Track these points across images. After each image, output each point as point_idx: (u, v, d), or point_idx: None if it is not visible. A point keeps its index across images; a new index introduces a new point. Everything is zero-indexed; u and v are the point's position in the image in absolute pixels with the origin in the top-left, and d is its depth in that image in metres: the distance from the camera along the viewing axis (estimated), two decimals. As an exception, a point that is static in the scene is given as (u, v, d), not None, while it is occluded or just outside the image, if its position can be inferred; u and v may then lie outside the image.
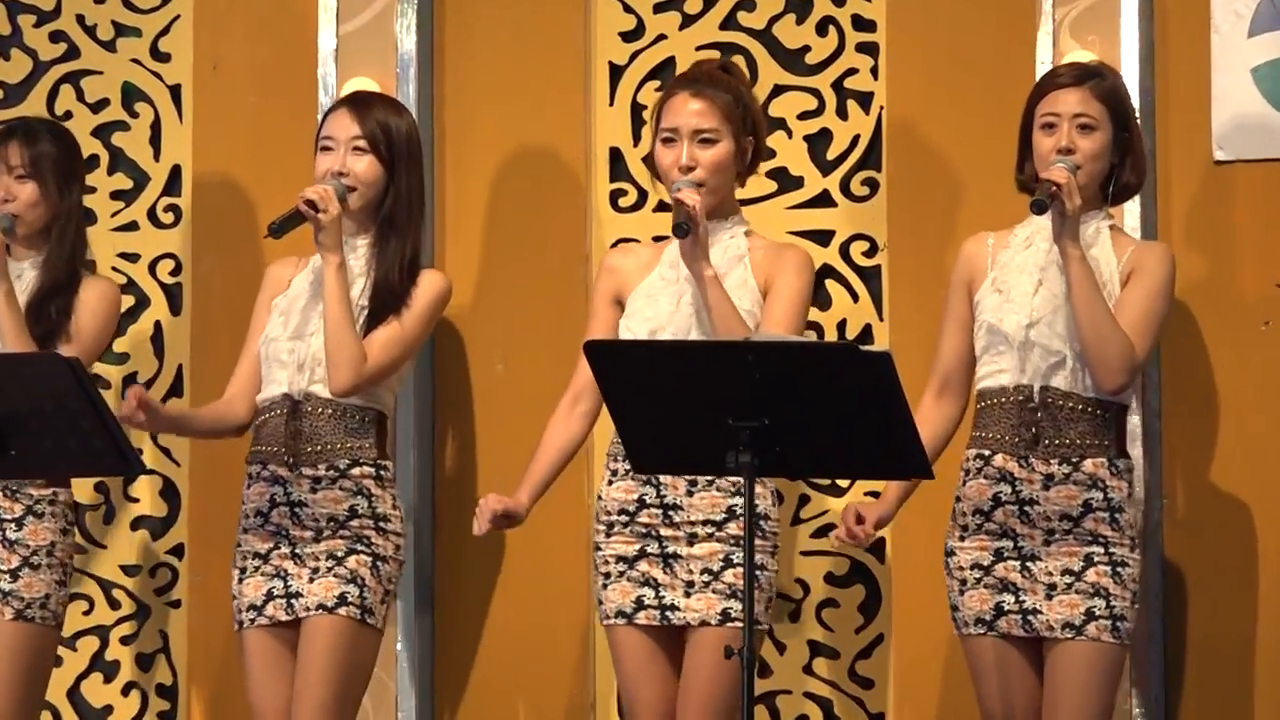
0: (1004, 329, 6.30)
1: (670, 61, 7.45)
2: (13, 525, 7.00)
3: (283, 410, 6.78)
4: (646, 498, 6.44)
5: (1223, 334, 6.99)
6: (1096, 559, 6.30)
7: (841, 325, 7.23)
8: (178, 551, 7.86)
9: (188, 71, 7.85)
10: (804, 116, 7.38)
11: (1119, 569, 6.29)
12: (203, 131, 7.94)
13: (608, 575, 6.54)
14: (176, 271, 7.89)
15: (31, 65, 8.07)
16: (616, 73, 7.55)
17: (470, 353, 7.74)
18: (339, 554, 6.70)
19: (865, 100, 7.36)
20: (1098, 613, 6.29)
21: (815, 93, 7.41)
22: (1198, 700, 7.07)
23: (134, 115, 7.97)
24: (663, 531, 6.44)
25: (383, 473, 6.91)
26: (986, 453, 6.31)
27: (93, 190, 7.76)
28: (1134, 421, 6.70)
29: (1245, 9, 7.35)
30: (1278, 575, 7.06)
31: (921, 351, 6.55)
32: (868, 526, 6.41)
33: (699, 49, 7.36)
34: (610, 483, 6.55)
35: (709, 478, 6.33)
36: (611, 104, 7.65)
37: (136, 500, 7.94)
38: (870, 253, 7.28)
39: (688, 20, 7.55)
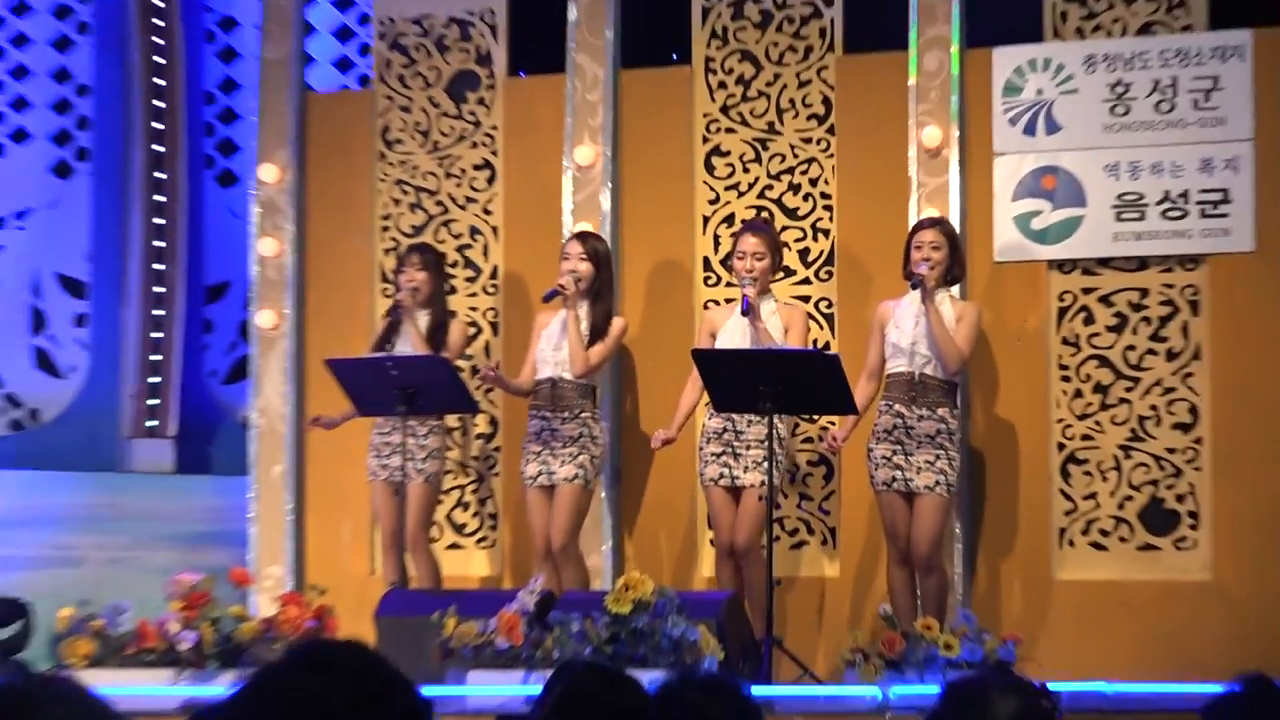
0: (900, 345, 10.12)
1: (732, 215, 11.34)
2: (423, 434, 10.92)
3: (547, 384, 10.74)
4: (725, 424, 10.47)
5: (998, 347, 10.79)
6: (940, 457, 10.10)
7: (815, 342, 10.86)
8: (497, 450, 11.68)
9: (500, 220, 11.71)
10: (798, 241, 11.28)
11: (951, 461, 10.11)
12: (511, 247, 11.71)
13: (705, 462, 10.51)
14: (496, 317, 11.75)
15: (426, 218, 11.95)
16: (705, 221, 11.39)
17: (636, 359, 11.53)
18: (574, 453, 10.62)
19: (827, 233, 11.22)
20: (940, 482, 10.10)
21: (802, 230, 11.29)
22: (988, 522, 10.79)
23: (476, 236, 11.78)
24: (733, 441, 10.43)
25: (595, 414, 10.95)
26: (890, 404, 10.18)
27: (454, 279, 11.58)
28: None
29: (1011, 185, 10.74)
30: (1017, 464, 10.72)
31: (854, 358, 10.23)
32: (835, 442, 10.44)
33: (748, 209, 11.27)
34: (710, 417, 10.54)
35: (753, 416, 10.27)
36: (704, 233, 11.45)
37: (477, 425, 11.73)
38: (830, 307, 11.18)
39: (741, 194, 11.34)
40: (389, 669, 3.05)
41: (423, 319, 10.97)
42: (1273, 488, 10.19)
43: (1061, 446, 10.71)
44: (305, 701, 2.94)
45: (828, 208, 11.18)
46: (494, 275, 11.71)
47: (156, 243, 12.94)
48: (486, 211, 11.73)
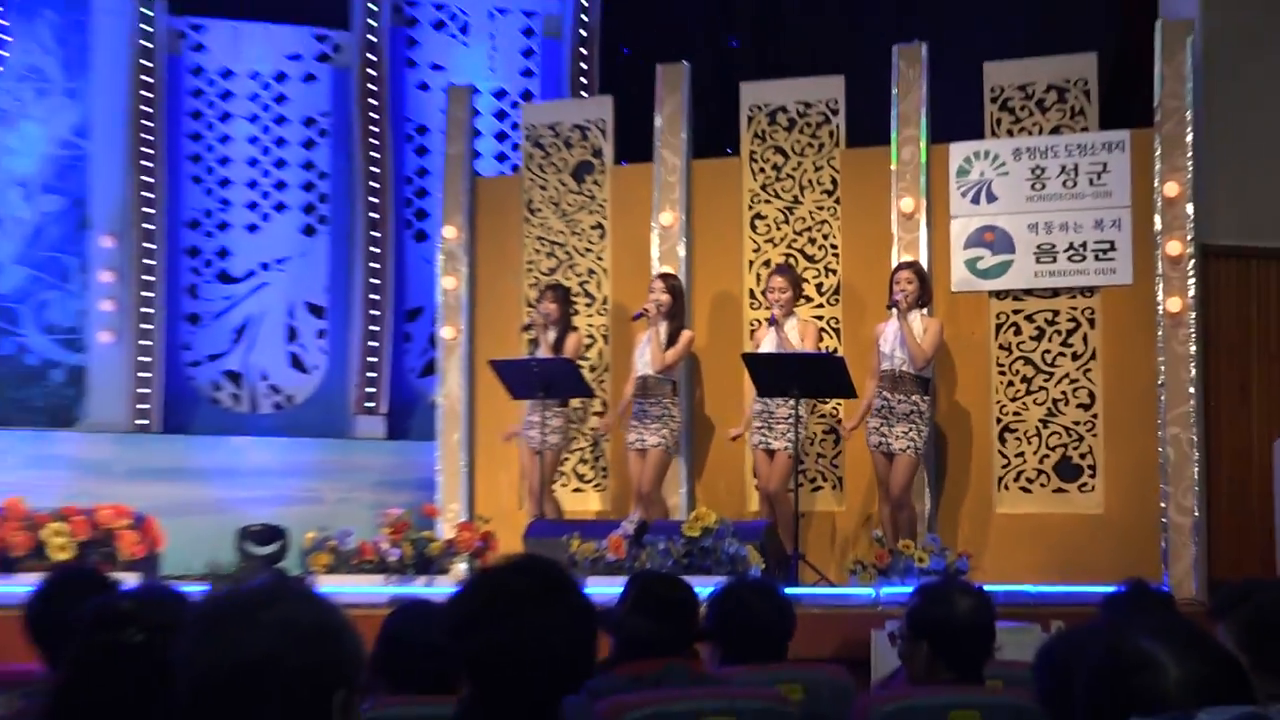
0: (885, 351, 10.15)
1: (768, 260, 11.18)
2: (553, 415, 10.70)
3: (640, 380, 10.69)
4: (764, 406, 10.37)
5: (955, 352, 10.76)
6: (912, 429, 10.08)
7: (826, 348, 10.72)
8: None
9: (609, 264, 11.69)
10: (814, 278, 11.18)
11: (920, 432, 10.08)
12: (616, 284, 11.70)
13: (751, 431, 10.52)
14: (606, 331, 11.65)
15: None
16: (750, 264, 11.26)
17: (702, 361, 11.31)
18: (659, 427, 10.58)
19: (834, 272, 11.14)
20: (911, 446, 10.09)
21: (817, 270, 11.17)
22: (949, 474, 10.71)
23: (591, 275, 11.74)
24: (769, 418, 10.35)
25: (674, 400, 10.84)
26: (880, 391, 10.13)
27: (576, 306, 11.52)
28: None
29: (962, 238, 10.72)
30: (969, 433, 10.72)
31: (854, 360, 10.31)
32: (846, 430, 10.59)
33: (779, 256, 11.15)
34: (754, 401, 10.41)
35: (782, 399, 10.20)
36: (749, 272, 11.30)
37: (594, 406, 11.52)
38: (836, 324, 11.06)
39: (774, 245, 11.21)
40: (564, 572, 3.26)
41: (553, 333, 10.99)
42: (1146, 450, 10.12)
43: (999, 420, 10.72)
44: (511, 590, 3.14)
45: (835, 255, 11.20)
46: (604, 303, 11.74)
47: (373, 280, 12.93)
48: (599, 259, 11.78)
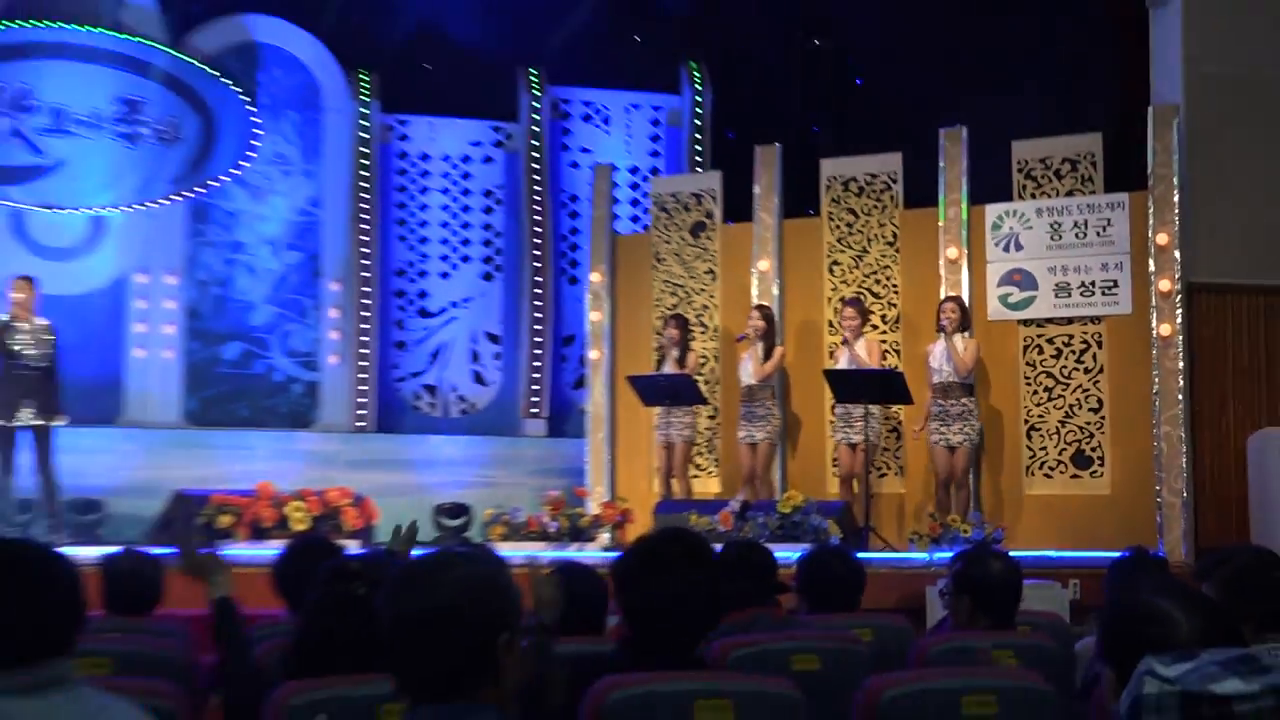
0: (935, 367, 10.03)
1: (844, 296, 10.83)
2: (679, 416, 10.55)
3: (746, 388, 10.46)
4: (843, 410, 10.21)
5: (991, 367, 10.51)
6: (967, 425, 9.94)
7: (889, 365, 10.43)
8: (719, 423, 11.24)
9: (719, 300, 11.48)
10: (880, 310, 10.97)
11: (975, 426, 9.96)
12: (724, 315, 11.38)
13: (834, 430, 10.45)
14: (717, 352, 11.34)
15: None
16: (829, 299, 10.99)
17: (791, 374, 11.03)
18: (764, 424, 10.33)
19: (895, 305, 10.91)
20: (967, 439, 9.94)
21: (882, 304, 10.98)
22: (987, 463, 10.44)
23: (705, 309, 11.55)
24: (847, 417, 10.16)
25: (774, 402, 10.49)
26: (935, 399, 9.97)
27: (693, 332, 11.27)
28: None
29: (996, 278, 10.45)
30: (1002, 431, 10.45)
31: (911, 375, 10.12)
32: (916, 431, 10.22)
33: (851, 292, 10.88)
34: (835, 406, 10.31)
35: (855, 405, 10.03)
36: (828, 305, 11.04)
37: (707, 405, 11.16)
38: (897, 346, 10.79)
39: (848, 285, 11.01)
40: (703, 541, 3.37)
41: (676, 354, 10.87)
42: (1144, 444, 9.94)
43: (1026, 421, 10.54)
44: (663, 555, 3.24)
45: (895, 292, 11.04)
46: (715, 331, 11.54)
47: (536, 314, 12.84)
48: (710, 296, 11.62)
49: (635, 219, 13.00)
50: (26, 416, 9.55)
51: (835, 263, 11.25)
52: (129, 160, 12.28)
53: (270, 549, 7.34)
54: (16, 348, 9.52)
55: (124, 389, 12.16)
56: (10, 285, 9.79)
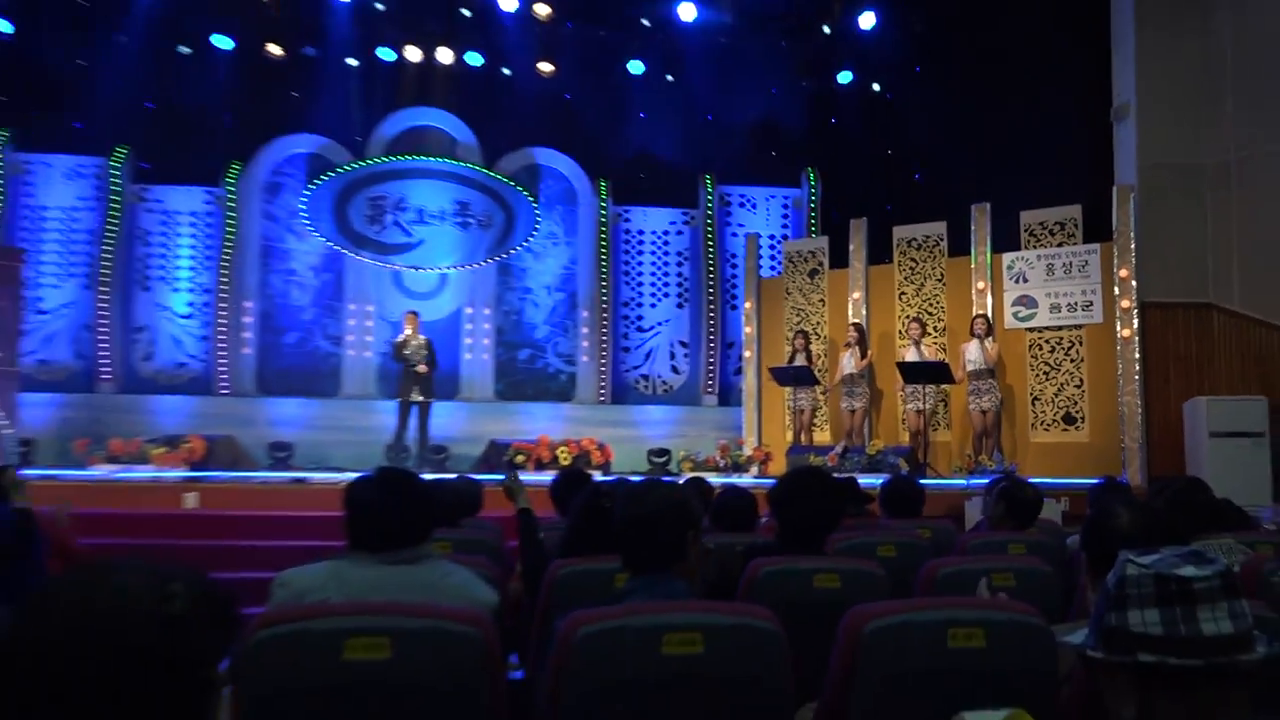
0: (969, 359, 9.66)
1: (908, 318, 10.44)
2: (803, 392, 10.17)
3: (846, 376, 10.08)
4: (915, 388, 9.70)
5: (1008, 360, 9.98)
6: (991, 396, 9.46)
7: (940, 360, 9.96)
8: (825, 394, 10.87)
9: (827, 320, 11.33)
10: (933, 324, 10.50)
11: (997, 397, 9.47)
12: (831, 332, 11.06)
13: (905, 400, 9.91)
14: (825, 355, 11.08)
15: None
16: (899, 320, 10.61)
17: (877, 367, 10.52)
18: (860, 399, 10.02)
19: (943, 320, 10.52)
20: (992, 405, 9.46)
21: (934, 323, 10.49)
22: (1005, 421, 9.83)
23: (819, 328, 11.47)
24: (917, 394, 9.71)
25: (864, 383, 10.12)
26: (970, 380, 9.57)
27: (810, 343, 11.44)
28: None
29: (1010, 301, 10.04)
30: (1014, 400, 9.92)
31: (956, 364, 9.84)
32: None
33: (911, 317, 10.41)
34: (903, 386, 9.85)
35: (918, 385, 9.70)
36: (898, 323, 10.61)
37: (822, 386, 10.81)
38: (944, 347, 10.40)
39: (912, 308, 10.62)
40: (828, 472, 3.28)
41: (801, 355, 10.53)
42: (1111, 410, 9.56)
43: (1031, 393, 10.09)
44: (803, 482, 3.13)
45: (943, 311, 10.71)
46: (824, 340, 11.27)
47: (710, 328, 12.67)
48: (822, 317, 11.36)
49: (773, 268, 12.64)
50: (414, 396, 9.77)
51: (903, 293, 10.97)
52: (461, 238, 12.50)
53: (547, 476, 7.32)
54: (407, 353, 9.75)
55: (460, 377, 12.34)
56: (404, 317, 10.10)
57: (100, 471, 8.23)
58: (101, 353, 11.56)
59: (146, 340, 11.89)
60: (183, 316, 12.05)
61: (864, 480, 5.40)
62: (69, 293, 11.84)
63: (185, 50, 11.55)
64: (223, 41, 11.67)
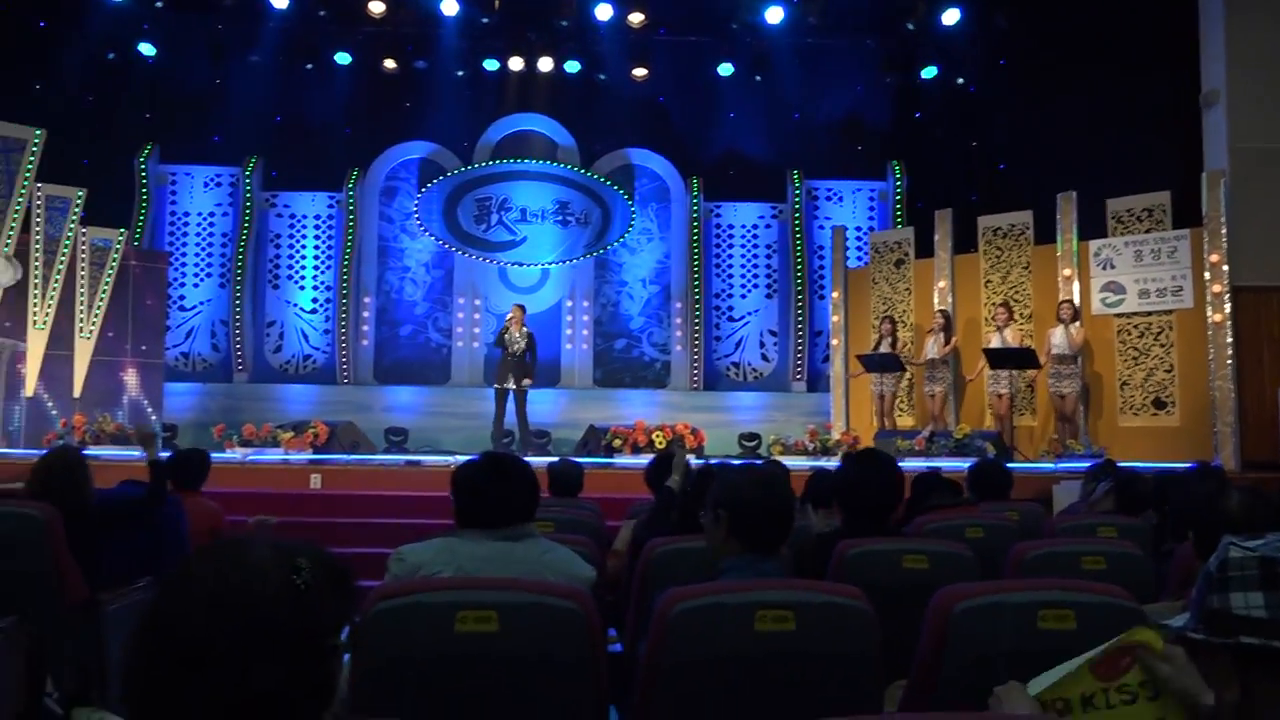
0: (1054, 343, 9.34)
1: (995, 302, 10.22)
2: (890, 378, 10.06)
3: (929, 361, 9.91)
4: (996, 374, 9.58)
5: (1094, 344, 9.77)
6: (1073, 380, 9.18)
7: (1025, 346, 9.67)
8: (911, 380, 11.29)
9: (912, 307, 11.34)
10: (1019, 310, 10.22)
11: (1080, 382, 9.21)
12: (917, 318, 10.91)
13: (992, 382, 9.66)
14: (911, 343, 11.08)
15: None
16: (985, 306, 10.36)
17: (963, 353, 10.29)
18: (942, 382, 9.89)
19: (1029, 306, 10.25)
20: (1074, 390, 9.20)
21: (1020, 309, 10.25)
22: (1093, 406, 9.67)
23: (905, 315, 11.34)
24: (1000, 377, 9.60)
25: (948, 369, 9.91)
26: (1053, 365, 9.27)
27: (898, 330, 11.86)
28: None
29: (1098, 287, 9.76)
30: (1102, 385, 9.65)
31: (1041, 350, 9.62)
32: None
33: (998, 304, 10.14)
34: (989, 370, 9.78)
35: (1004, 370, 9.75)
36: (984, 308, 10.41)
37: (906, 371, 11.00)
38: (1031, 334, 10.08)
39: (998, 295, 10.35)
40: (891, 456, 3.14)
41: (888, 341, 10.42)
42: (1203, 394, 9.23)
43: (1119, 377, 9.82)
44: (867, 463, 3.07)
45: (1029, 298, 10.45)
46: (910, 326, 11.07)
47: (798, 317, 12.59)
48: (908, 305, 11.21)
49: (859, 258, 12.53)
50: (512, 383, 9.89)
51: (988, 281, 10.74)
52: (562, 235, 12.63)
53: (643, 459, 7.40)
54: (506, 339, 9.85)
55: (560, 366, 12.46)
56: (511, 309, 10.14)
57: (235, 454, 8.56)
58: (235, 346, 12.15)
59: (275, 334, 12.37)
60: (308, 311, 12.53)
61: (951, 464, 5.27)
62: (206, 291, 12.45)
63: (309, 67, 12.03)
64: (342, 58, 12.09)
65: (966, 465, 4.95)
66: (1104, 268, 9.91)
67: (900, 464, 3.25)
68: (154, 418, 10.41)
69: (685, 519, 3.14)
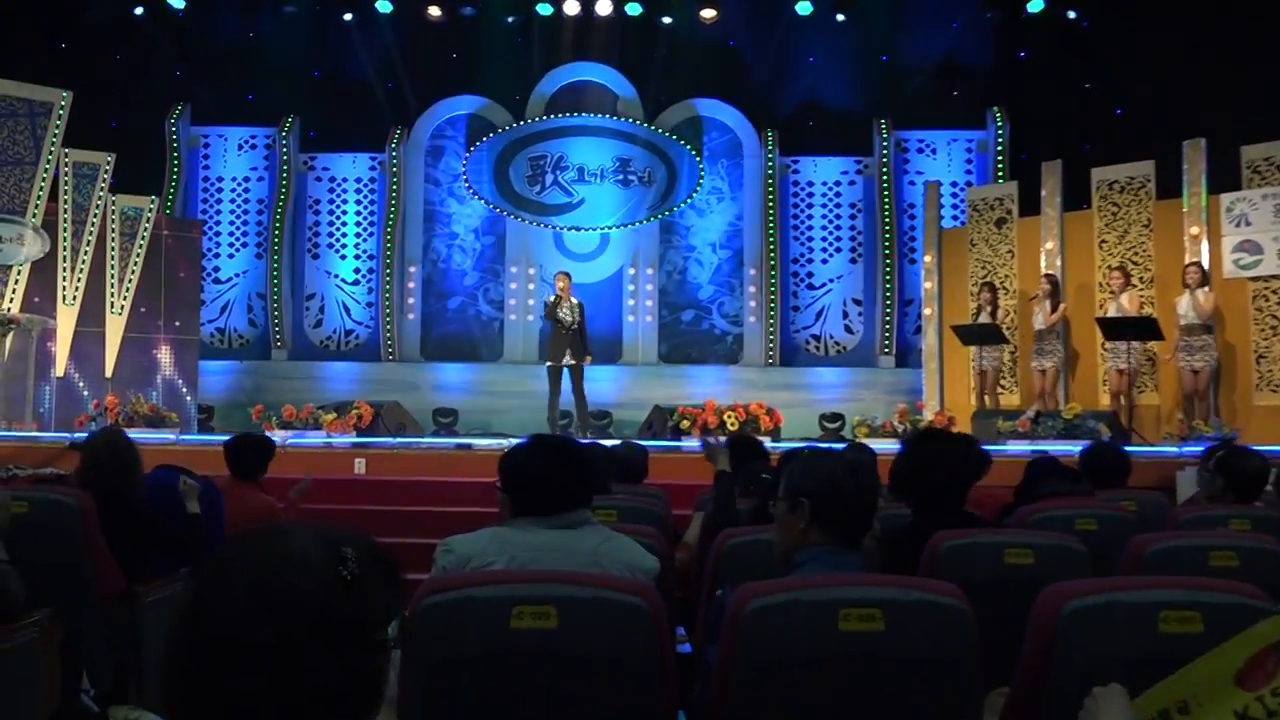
0: (1181, 313, 9.22)
1: (1110, 266, 10.12)
2: (991, 351, 10.04)
3: (1037, 332, 9.89)
4: (1114, 346, 9.57)
5: (1227, 312, 9.58)
6: (1206, 355, 9.07)
7: (1147, 314, 9.50)
8: (1016, 353, 11.02)
9: (1017, 270, 11.32)
10: (1139, 274, 10.07)
11: (1210, 354, 9.06)
12: (1021, 283, 10.98)
13: (1106, 358, 9.88)
14: (1016, 312, 11.33)
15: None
16: (1099, 269, 10.22)
17: (1072, 323, 10.31)
18: (1052, 356, 9.84)
19: (1150, 270, 10.04)
20: (1205, 364, 9.06)
21: (1140, 272, 10.09)
22: (1225, 384, 9.44)
23: (1006, 279, 11.40)
24: (1118, 352, 9.91)
25: (1058, 339, 9.87)
26: (1181, 335, 9.09)
27: (998, 295, 11.67)
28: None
29: (1230, 247, 9.55)
30: (1235, 359, 9.50)
31: (1164, 319, 9.31)
32: (1165, 358, 9.37)
33: (1113, 266, 10.01)
34: (1106, 344, 9.74)
35: (1121, 341, 9.95)
36: (1098, 271, 10.34)
37: (1011, 346, 11.05)
38: (1152, 300, 9.92)
39: (1114, 258, 10.18)
40: (970, 438, 3.17)
41: (988, 309, 10.35)
42: None
43: (1255, 350, 9.63)
44: (936, 445, 3.02)
45: (1150, 260, 10.27)
46: (1013, 294, 10.98)
47: (886, 285, 12.47)
48: (1010, 269, 11.11)
49: (955, 218, 12.45)
50: (569, 359, 9.98)
51: (1103, 241, 10.57)
52: (623, 196, 12.76)
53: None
54: (560, 314, 9.96)
55: (622, 340, 12.61)
56: (555, 278, 10.21)
57: (276, 437, 8.70)
58: (274, 320, 12.48)
59: (315, 307, 12.81)
60: (349, 283, 12.84)
61: (1059, 449, 5.22)
62: (242, 261, 12.84)
63: (348, 17, 12.17)
64: (384, 6, 12.24)
65: (1078, 450, 4.90)
66: (1237, 224, 9.71)
67: (1002, 448, 3.23)
68: (189, 399, 10.74)
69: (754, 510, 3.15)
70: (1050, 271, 10.48)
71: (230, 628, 1.02)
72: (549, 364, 9.96)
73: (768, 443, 6.10)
